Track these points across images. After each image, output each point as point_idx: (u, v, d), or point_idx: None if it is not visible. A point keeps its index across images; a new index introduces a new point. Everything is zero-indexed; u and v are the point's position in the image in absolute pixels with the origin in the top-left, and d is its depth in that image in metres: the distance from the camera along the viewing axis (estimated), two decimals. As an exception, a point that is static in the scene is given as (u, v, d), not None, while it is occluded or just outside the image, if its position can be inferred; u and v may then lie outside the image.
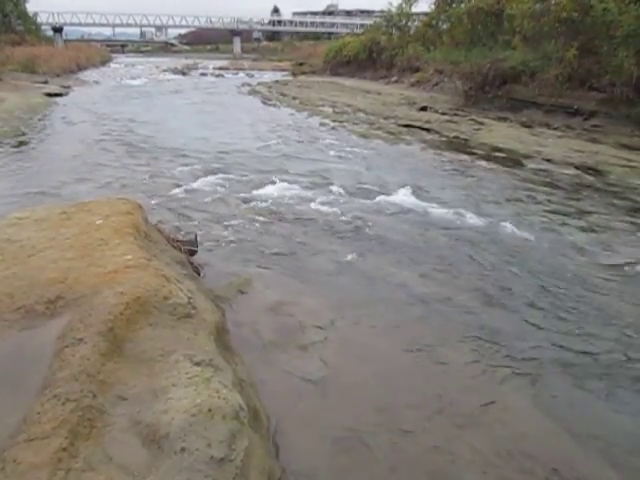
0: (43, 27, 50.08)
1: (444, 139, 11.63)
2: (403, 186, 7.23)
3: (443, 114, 14.90)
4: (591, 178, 8.39)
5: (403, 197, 6.80)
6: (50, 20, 53.50)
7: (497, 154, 10.12)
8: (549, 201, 7.03)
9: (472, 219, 6.06)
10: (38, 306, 2.49)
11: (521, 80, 15.12)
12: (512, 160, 9.59)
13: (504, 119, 14.07)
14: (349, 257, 4.89)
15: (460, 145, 10.96)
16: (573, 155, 9.82)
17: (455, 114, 14.84)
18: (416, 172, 8.43)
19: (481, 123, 13.39)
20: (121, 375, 2.13)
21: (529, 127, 13.00)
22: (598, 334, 3.68)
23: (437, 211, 6.32)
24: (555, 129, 12.63)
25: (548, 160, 9.50)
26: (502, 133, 12.11)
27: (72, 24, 57.54)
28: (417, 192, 7.03)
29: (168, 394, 2.02)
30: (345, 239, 5.37)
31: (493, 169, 8.82)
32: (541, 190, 7.58)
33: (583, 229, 5.95)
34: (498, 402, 2.95)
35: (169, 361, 2.20)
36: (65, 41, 52.22)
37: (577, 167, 9.01)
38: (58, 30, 53.89)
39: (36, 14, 46.05)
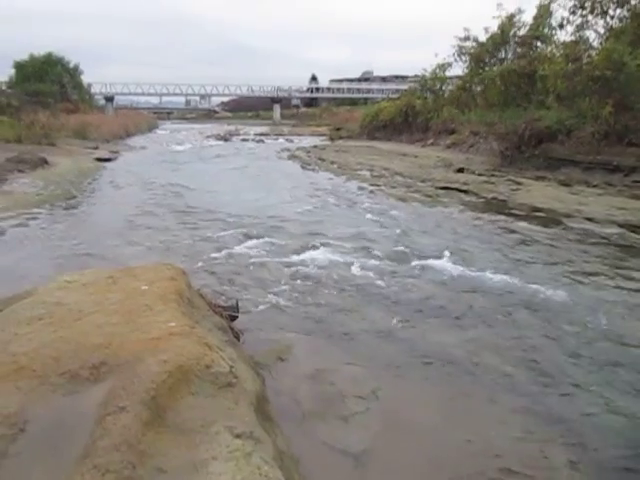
0: (96, 96, 53.64)
1: (482, 200, 11.59)
2: (442, 249, 7.18)
3: (480, 175, 14.92)
4: (636, 236, 8.14)
5: (443, 261, 6.73)
6: (103, 90, 57.38)
7: (537, 214, 9.99)
8: (594, 262, 6.83)
9: (515, 283, 5.91)
10: (82, 371, 2.52)
11: (557, 139, 15.14)
12: (552, 220, 9.45)
13: (542, 178, 13.98)
14: (390, 323, 4.81)
15: (499, 206, 10.88)
16: (615, 213, 9.60)
17: (492, 175, 14.84)
18: (455, 235, 8.38)
19: (519, 183, 13.33)
20: (161, 446, 2.12)
21: (568, 185, 12.86)
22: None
23: (478, 275, 6.20)
24: (595, 187, 12.45)
25: (589, 219, 9.31)
26: (541, 192, 12.01)
27: (122, 93, 61.52)
28: (457, 255, 6.96)
29: (208, 468, 1.99)
30: (385, 305, 5.31)
31: (533, 230, 8.68)
32: (584, 250, 7.39)
33: (635, 291, 5.72)
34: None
35: (210, 432, 2.17)
36: (115, 109, 55.61)
37: (620, 225, 8.78)
38: (109, 99, 57.59)
39: (90, 85, 49.46)
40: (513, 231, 8.64)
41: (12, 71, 40.51)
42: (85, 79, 46.16)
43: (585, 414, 3.43)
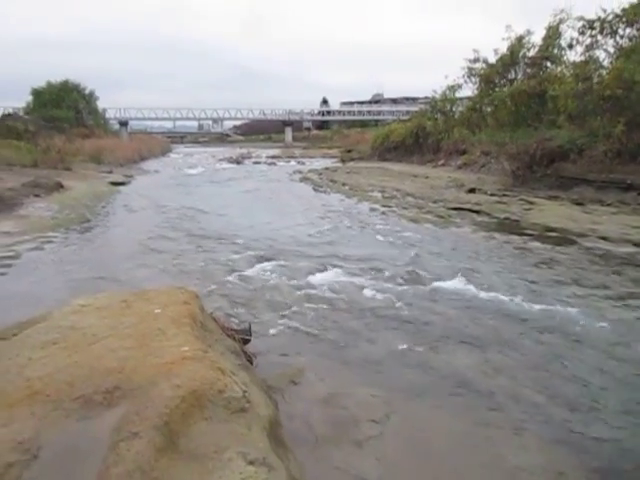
0: (111, 121, 54.71)
1: (495, 220, 11.55)
2: (455, 271, 7.14)
3: (492, 195, 14.89)
4: (652, 255, 8.05)
5: (456, 283, 6.68)
6: (117, 115, 58.50)
7: (550, 234, 9.91)
8: (611, 282, 6.73)
9: (531, 305, 5.84)
10: (96, 396, 2.52)
11: (569, 158, 15.12)
12: (566, 240, 9.36)
13: (554, 197, 13.92)
14: (403, 346, 4.77)
15: (511, 226, 10.83)
16: (630, 232, 9.50)
17: (504, 195, 14.81)
18: (468, 256, 8.34)
19: (531, 203, 13.27)
20: (175, 473, 2.10)
21: (581, 205, 12.78)
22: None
23: (493, 297, 6.14)
24: (608, 205, 12.37)
25: (604, 238, 9.21)
26: (554, 212, 11.94)
27: (137, 118, 62.64)
28: (470, 277, 6.91)
29: (221, 495, 1.97)
30: (398, 327, 5.26)
31: (547, 250, 8.61)
32: (600, 271, 7.30)
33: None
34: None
35: (222, 459, 2.16)
36: (130, 133, 56.59)
37: (636, 244, 8.68)
38: (124, 124, 58.65)
39: (105, 110, 50.49)
40: (527, 251, 8.58)
41: (30, 98, 41.52)
42: (100, 104, 47.18)
43: (611, 441, 3.34)
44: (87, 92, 43.94)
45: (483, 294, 6.24)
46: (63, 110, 38.42)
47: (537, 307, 5.77)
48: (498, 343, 4.86)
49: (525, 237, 9.61)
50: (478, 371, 4.29)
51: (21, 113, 38.07)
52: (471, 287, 6.49)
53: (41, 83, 41.71)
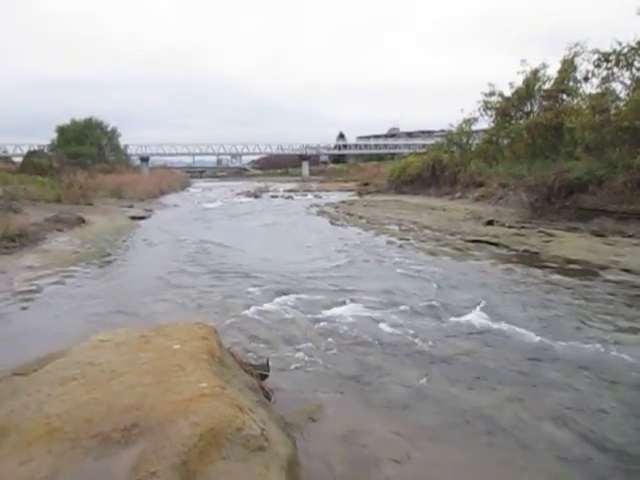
0: (132, 157, 56.05)
1: (514, 253, 11.42)
2: (474, 305, 7.05)
3: (510, 227, 14.78)
4: (678, 287, 7.87)
5: (475, 317, 6.59)
6: (139, 151, 59.97)
7: (571, 266, 9.76)
8: (635, 316, 6.57)
9: (554, 340, 5.71)
10: (114, 434, 2.52)
11: (588, 189, 15.00)
12: (588, 272, 9.20)
13: (574, 229, 13.76)
14: (422, 381, 4.69)
15: (531, 259, 10.70)
16: (654, 263, 9.32)
17: (522, 227, 14.69)
18: (487, 289, 8.23)
19: (550, 235, 13.13)
20: (192, 513, 2.07)
21: (602, 236, 12.61)
22: None
23: (514, 331, 6.03)
24: (630, 237, 12.20)
25: (627, 270, 9.04)
26: (574, 244, 11.78)
27: (157, 154, 64.14)
28: (489, 311, 6.81)
29: (239, 538, 1.93)
30: (417, 362, 5.18)
31: (568, 283, 8.46)
32: (624, 304, 7.14)
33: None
34: None
35: (241, 500, 2.12)
36: (150, 168, 57.82)
37: (660, 276, 8.52)
38: (145, 159, 60.05)
39: (127, 146, 51.82)
40: (548, 284, 8.44)
41: (55, 135, 42.81)
42: (122, 141, 48.52)
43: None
44: (110, 129, 45.28)
45: (504, 329, 6.14)
46: (86, 147, 39.54)
47: (561, 343, 5.64)
48: (521, 380, 4.75)
49: (545, 270, 9.47)
50: (501, 409, 4.18)
51: (46, 150, 39.22)
52: (491, 321, 6.40)
53: (66, 121, 43.11)
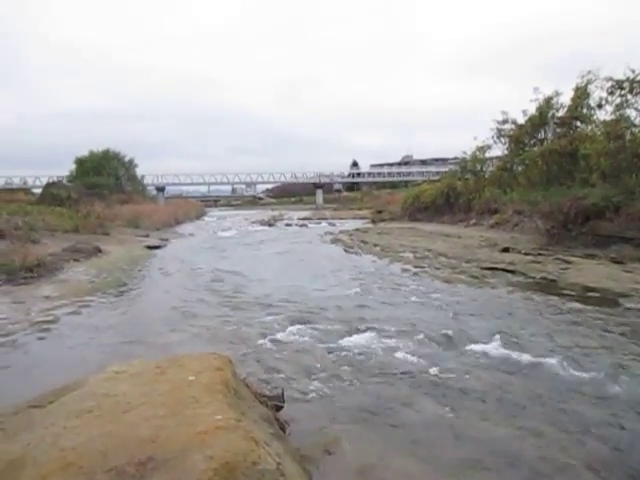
0: (148, 187, 57.00)
1: (531, 280, 11.28)
2: (492, 334, 6.94)
3: (527, 254, 14.64)
4: (703, 317, 7.68)
5: (493, 346, 6.47)
6: (155, 181, 61.00)
7: (590, 294, 9.60)
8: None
9: (576, 371, 5.58)
10: (129, 468, 2.50)
11: (605, 215, 14.85)
12: (607, 300, 9.04)
13: (592, 256, 13.57)
14: (441, 413, 4.59)
15: (549, 286, 10.55)
16: (677, 291, 9.14)
17: (539, 254, 14.54)
18: (504, 317, 8.12)
19: (568, 262, 12.96)
20: None
21: (620, 263, 12.41)
22: None
23: (533, 362, 5.91)
24: (650, 264, 12.00)
25: (648, 298, 8.89)
26: (592, 271, 11.61)
27: (173, 184, 65.13)
28: (508, 340, 6.69)
29: None
30: (435, 393, 5.09)
31: (587, 311, 8.31)
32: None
33: None
34: None
35: (256, 537, 2.08)
36: (166, 198, 58.67)
37: (684, 304, 8.34)
38: (161, 189, 60.99)
39: (143, 176, 52.80)
40: (567, 313, 8.30)
41: (73, 166, 43.77)
42: (139, 171, 49.44)
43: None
44: (127, 160, 46.21)
45: (523, 359, 6.02)
46: (104, 177, 40.35)
47: (583, 374, 5.51)
48: (542, 411, 4.64)
49: (564, 298, 9.32)
50: (520, 440, 4.08)
51: (65, 181, 40.09)
52: (511, 351, 6.28)
53: (84, 152, 44.11)
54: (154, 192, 59.13)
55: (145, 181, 54.79)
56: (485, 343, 6.60)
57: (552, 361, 5.87)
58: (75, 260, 14.10)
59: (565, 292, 9.81)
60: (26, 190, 49.56)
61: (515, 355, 6.14)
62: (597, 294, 9.57)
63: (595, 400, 4.86)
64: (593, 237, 14.79)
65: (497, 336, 6.80)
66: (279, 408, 4.15)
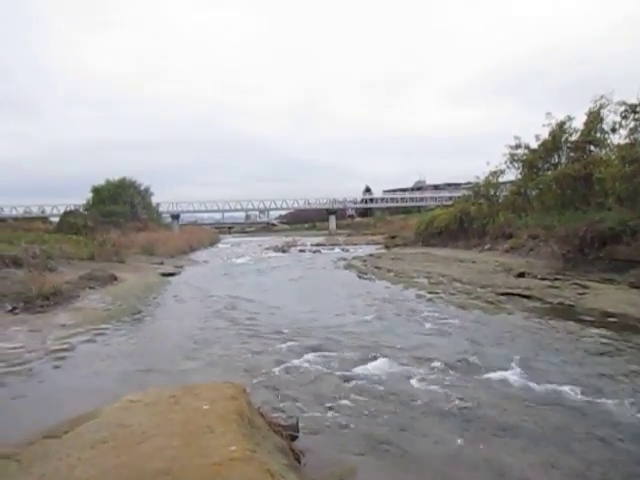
0: (163, 215, 57.70)
1: (547, 306, 11.13)
2: (508, 360, 6.84)
3: (543, 279, 14.46)
4: None
5: (510, 373, 6.38)
6: (170, 209, 61.75)
7: (609, 320, 9.43)
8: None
9: (593, 400, 5.47)
10: (143, 500, 2.48)
11: (622, 240, 14.66)
12: (627, 326, 8.87)
13: (610, 281, 13.35)
14: (457, 443, 4.51)
15: (566, 312, 10.39)
16: (697, 317, 8.95)
17: (555, 279, 14.35)
18: (521, 344, 8.00)
19: (585, 287, 12.77)
20: None
21: (639, 288, 12.21)
22: None
23: (551, 390, 5.80)
24: (669, 289, 11.78)
25: (669, 324, 8.71)
26: (610, 296, 11.42)
27: (188, 211, 65.94)
28: (525, 367, 6.59)
29: None
30: (451, 422, 5.01)
31: (607, 337, 8.16)
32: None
33: None
34: None
35: None
36: (181, 225, 59.29)
37: None
38: (176, 217, 61.75)
39: (158, 204, 53.48)
40: (585, 339, 8.15)
41: (90, 195, 44.51)
42: (154, 199, 50.08)
43: None
44: (142, 188, 46.89)
45: (541, 387, 5.91)
46: (120, 206, 40.94)
47: (601, 401, 5.40)
48: (559, 440, 4.54)
49: (582, 324, 9.17)
50: (538, 470, 4.00)
51: (81, 210, 40.73)
52: (528, 379, 6.17)
53: (100, 181, 44.91)
54: (169, 219, 59.82)
55: (160, 209, 55.51)
56: (502, 371, 6.49)
57: (572, 390, 5.75)
58: (91, 288, 14.22)
59: (583, 318, 9.66)
60: (44, 219, 50.45)
61: (533, 384, 6.03)
62: (616, 319, 9.40)
63: (616, 430, 4.74)
64: (610, 261, 14.58)
65: (514, 364, 6.70)
66: (294, 438, 4.11)
